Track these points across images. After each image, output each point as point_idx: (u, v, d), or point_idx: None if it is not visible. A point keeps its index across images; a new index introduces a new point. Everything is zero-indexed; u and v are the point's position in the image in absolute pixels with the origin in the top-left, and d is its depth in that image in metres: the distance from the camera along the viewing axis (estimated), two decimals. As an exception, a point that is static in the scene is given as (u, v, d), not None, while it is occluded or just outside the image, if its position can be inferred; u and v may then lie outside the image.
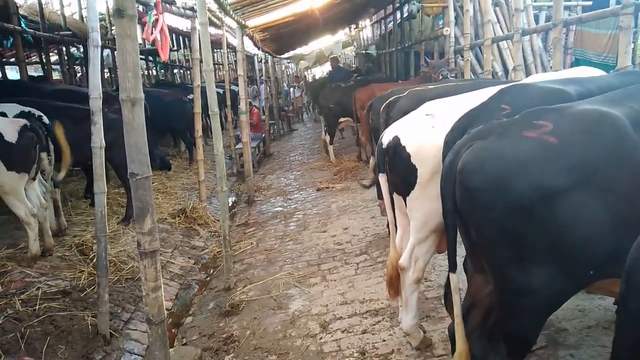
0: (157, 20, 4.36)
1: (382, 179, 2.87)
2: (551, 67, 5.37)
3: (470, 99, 2.76)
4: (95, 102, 3.39)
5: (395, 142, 2.74)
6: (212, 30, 10.64)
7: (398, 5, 11.36)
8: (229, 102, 9.93)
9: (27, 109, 5.04)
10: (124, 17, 2.03)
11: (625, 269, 1.23)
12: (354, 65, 22.18)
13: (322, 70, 30.18)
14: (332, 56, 15.93)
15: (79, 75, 12.83)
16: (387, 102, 4.26)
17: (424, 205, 2.68)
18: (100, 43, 3.40)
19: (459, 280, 2.13)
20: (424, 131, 2.69)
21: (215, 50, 18.75)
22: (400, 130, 2.78)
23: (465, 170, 1.83)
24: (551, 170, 1.67)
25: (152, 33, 4.28)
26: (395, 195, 2.92)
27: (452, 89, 3.72)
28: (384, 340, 3.28)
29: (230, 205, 8.16)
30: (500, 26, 7.68)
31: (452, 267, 2.06)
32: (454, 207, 1.93)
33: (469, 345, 2.04)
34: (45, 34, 7.94)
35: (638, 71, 3.69)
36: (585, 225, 1.68)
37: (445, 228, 1.99)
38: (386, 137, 2.86)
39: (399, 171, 2.74)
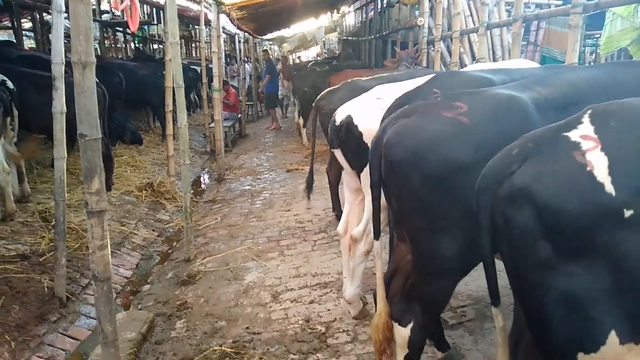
0: (127, -10, 4.38)
1: (338, 153, 3.02)
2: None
3: (415, 85, 2.92)
4: (58, 68, 3.44)
5: (348, 120, 2.90)
6: (196, 7, 10.60)
7: (378, -8, 11.47)
8: (205, 80, 9.90)
9: (-10, 73, 5.01)
10: (77, -17, 2.10)
11: None
12: (337, 52, 22.15)
13: (307, 55, 30.14)
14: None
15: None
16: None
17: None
18: (64, 8, 3.43)
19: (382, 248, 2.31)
20: (375, 113, 2.83)
21: (196, 27, 18.52)
22: (352, 110, 2.94)
23: (388, 144, 1.99)
24: (460, 146, 1.83)
25: (121, 3, 4.31)
26: (350, 171, 3.08)
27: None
28: (329, 310, 3.47)
29: (202, 182, 8.26)
30: (473, 19, 7.84)
31: (376, 235, 2.23)
32: (380, 179, 2.10)
33: (390, 308, 2.22)
34: (16, -2, 7.80)
35: (563, 65, 3.88)
36: None
37: (372, 199, 2.15)
38: (339, 116, 3.01)
39: (352, 148, 2.91)
